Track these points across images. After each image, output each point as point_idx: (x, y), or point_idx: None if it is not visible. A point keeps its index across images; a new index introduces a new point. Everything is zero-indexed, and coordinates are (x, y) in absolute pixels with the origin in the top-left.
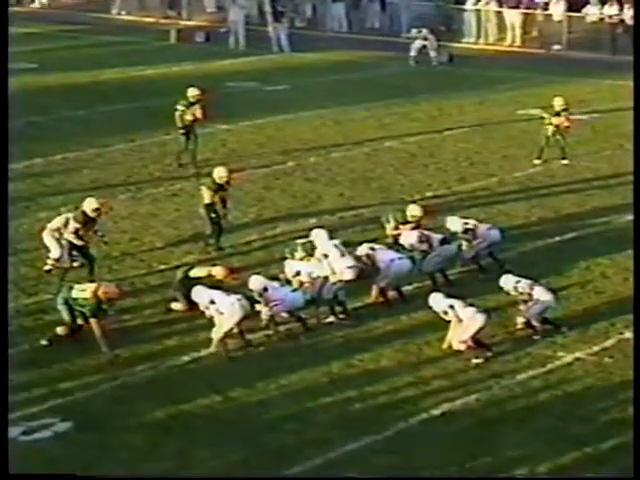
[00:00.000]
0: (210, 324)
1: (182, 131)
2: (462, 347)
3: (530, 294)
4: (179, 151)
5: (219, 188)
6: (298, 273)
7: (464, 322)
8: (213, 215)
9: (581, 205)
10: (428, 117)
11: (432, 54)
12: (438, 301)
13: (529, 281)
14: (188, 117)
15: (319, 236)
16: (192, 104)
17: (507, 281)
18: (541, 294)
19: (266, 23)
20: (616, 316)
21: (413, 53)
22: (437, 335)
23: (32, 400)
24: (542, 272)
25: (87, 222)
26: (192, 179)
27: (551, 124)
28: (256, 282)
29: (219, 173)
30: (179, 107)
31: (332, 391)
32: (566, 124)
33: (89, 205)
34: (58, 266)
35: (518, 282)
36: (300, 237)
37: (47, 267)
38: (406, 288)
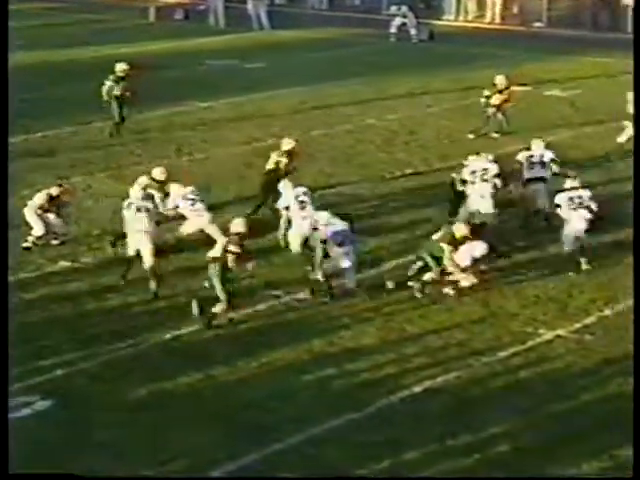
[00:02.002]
0: (187, 305)
1: (114, 104)
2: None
3: None
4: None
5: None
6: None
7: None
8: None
9: (560, 183)
10: (409, 95)
11: (412, 31)
12: None
13: None
14: (116, 92)
15: (285, 187)
16: (121, 79)
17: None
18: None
19: (245, 0)
20: (596, 293)
21: (393, 30)
22: (418, 312)
23: (11, 378)
24: (520, 247)
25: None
26: (173, 156)
27: (489, 104)
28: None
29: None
30: (107, 82)
31: (313, 369)
32: (504, 99)
33: (53, 190)
34: (38, 243)
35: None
36: (280, 214)
37: (27, 244)
38: (388, 267)
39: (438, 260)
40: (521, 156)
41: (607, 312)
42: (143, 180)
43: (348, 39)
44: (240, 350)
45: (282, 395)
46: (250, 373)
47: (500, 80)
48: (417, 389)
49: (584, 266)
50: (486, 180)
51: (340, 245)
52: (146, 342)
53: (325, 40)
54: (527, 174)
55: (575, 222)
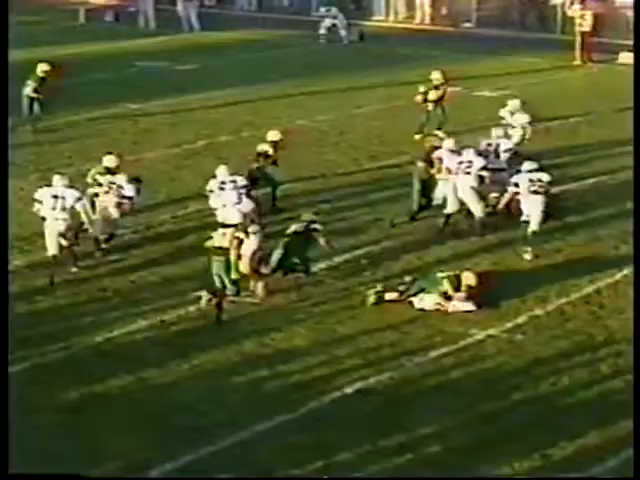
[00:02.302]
0: (123, 304)
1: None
2: None
3: None
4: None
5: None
6: None
7: None
8: None
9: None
10: (339, 95)
11: (342, 32)
12: None
13: None
14: (29, 93)
15: (219, 171)
16: (42, 80)
17: None
18: None
19: (176, 2)
20: (527, 293)
21: (323, 31)
22: (350, 313)
23: None
24: (447, 249)
25: None
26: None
27: (428, 100)
28: None
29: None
30: (28, 82)
31: (245, 371)
32: (441, 94)
33: None
34: None
35: None
36: (212, 216)
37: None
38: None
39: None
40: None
41: (538, 312)
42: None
43: (278, 40)
44: (172, 352)
45: (214, 397)
46: (182, 375)
47: (436, 75)
48: (349, 390)
49: (527, 256)
50: (469, 173)
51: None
52: (77, 345)
53: (255, 41)
54: (456, 158)
55: (530, 205)
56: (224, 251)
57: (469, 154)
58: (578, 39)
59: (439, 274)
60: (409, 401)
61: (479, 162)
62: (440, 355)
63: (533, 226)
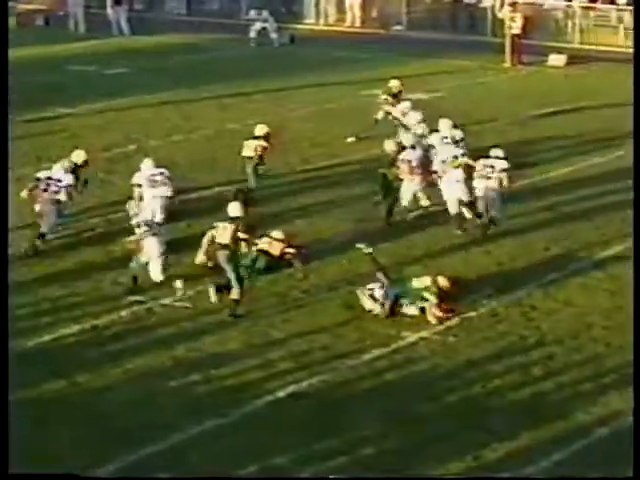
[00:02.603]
0: (54, 309)
1: None
2: None
3: None
4: None
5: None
6: None
7: None
8: None
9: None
10: (270, 99)
11: (273, 35)
12: None
13: None
14: None
15: (144, 163)
16: None
17: None
18: None
19: (105, 6)
20: (459, 295)
21: (253, 35)
22: (282, 317)
23: None
24: (382, 249)
25: None
26: (34, 162)
27: (389, 103)
28: None
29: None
30: None
31: (178, 375)
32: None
33: None
34: None
35: None
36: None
37: None
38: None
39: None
40: (433, 139)
41: (470, 314)
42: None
43: (208, 44)
44: (104, 356)
45: (147, 401)
46: (115, 379)
47: (394, 83)
48: (282, 394)
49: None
50: (490, 178)
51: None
52: (9, 351)
53: (185, 45)
54: (442, 155)
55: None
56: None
57: (490, 159)
58: (508, 41)
59: (415, 284)
60: (343, 404)
61: (501, 164)
62: (373, 358)
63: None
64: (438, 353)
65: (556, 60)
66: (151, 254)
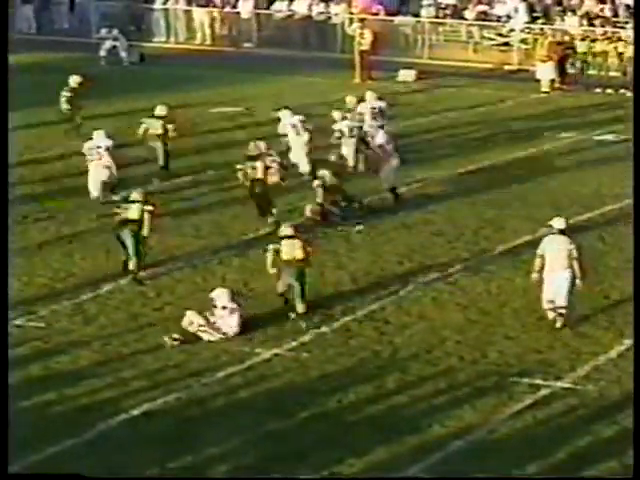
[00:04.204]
0: None
1: None
2: None
3: None
4: None
5: None
6: None
7: None
8: None
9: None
10: (120, 117)
11: (123, 54)
12: None
13: None
14: None
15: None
16: None
17: None
18: None
19: None
20: (312, 310)
21: (103, 53)
22: (135, 336)
23: None
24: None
25: None
26: None
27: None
28: None
29: None
30: None
31: (32, 394)
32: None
33: None
34: None
35: None
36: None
37: None
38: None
39: None
40: (361, 107)
41: (324, 329)
42: None
43: (58, 63)
44: None
45: None
46: None
47: (349, 99)
48: (136, 412)
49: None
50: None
51: None
52: None
53: (35, 64)
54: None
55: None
56: None
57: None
58: (357, 58)
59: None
60: (197, 421)
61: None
62: (227, 375)
63: None
64: (292, 369)
65: (406, 76)
66: None
